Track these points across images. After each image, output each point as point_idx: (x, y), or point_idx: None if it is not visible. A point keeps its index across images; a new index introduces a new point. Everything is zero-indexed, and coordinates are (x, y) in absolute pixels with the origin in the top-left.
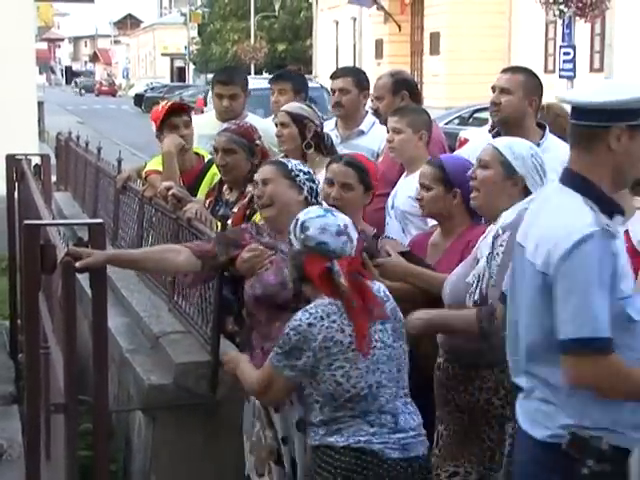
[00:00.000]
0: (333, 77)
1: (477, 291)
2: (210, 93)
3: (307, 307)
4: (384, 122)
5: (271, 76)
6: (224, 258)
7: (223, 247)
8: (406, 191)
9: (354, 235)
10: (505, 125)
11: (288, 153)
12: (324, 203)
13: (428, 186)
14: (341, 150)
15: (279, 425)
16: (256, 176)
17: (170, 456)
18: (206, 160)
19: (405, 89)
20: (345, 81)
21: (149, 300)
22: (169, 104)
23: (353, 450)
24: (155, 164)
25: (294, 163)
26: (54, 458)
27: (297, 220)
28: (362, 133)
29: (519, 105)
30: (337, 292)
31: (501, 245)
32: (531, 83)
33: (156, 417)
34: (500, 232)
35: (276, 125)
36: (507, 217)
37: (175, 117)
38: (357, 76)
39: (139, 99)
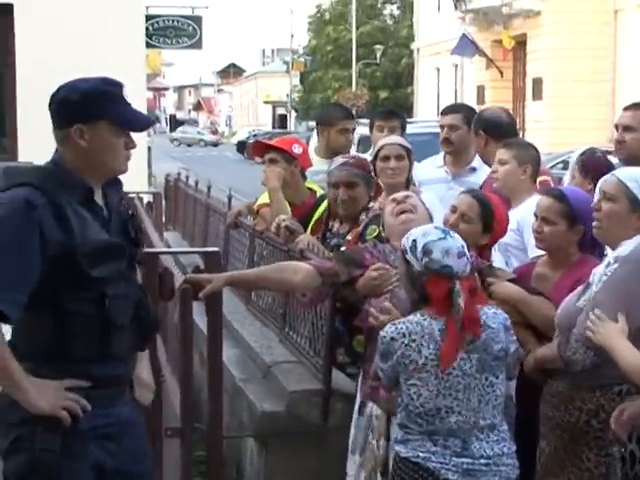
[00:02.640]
0: (443, 113)
1: None
2: (313, 138)
3: (397, 321)
4: (450, 152)
5: (377, 112)
6: (345, 277)
7: (344, 266)
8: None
9: (469, 256)
10: (631, 162)
11: (394, 187)
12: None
13: (552, 221)
14: (451, 187)
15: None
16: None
17: None
18: (318, 195)
19: (482, 129)
20: (455, 118)
21: (260, 332)
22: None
23: (412, 463)
24: (265, 198)
25: None
26: None
27: (415, 241)
28: (474, 170)
29: None
30: (451, 310)
31: (606, 275)
32: None
33: (268, 444)
34: (612, 261)
35: (384, 159)
36: (624, 249)
37: (274, 152)
38: (467, 113)
39: (242, 146)
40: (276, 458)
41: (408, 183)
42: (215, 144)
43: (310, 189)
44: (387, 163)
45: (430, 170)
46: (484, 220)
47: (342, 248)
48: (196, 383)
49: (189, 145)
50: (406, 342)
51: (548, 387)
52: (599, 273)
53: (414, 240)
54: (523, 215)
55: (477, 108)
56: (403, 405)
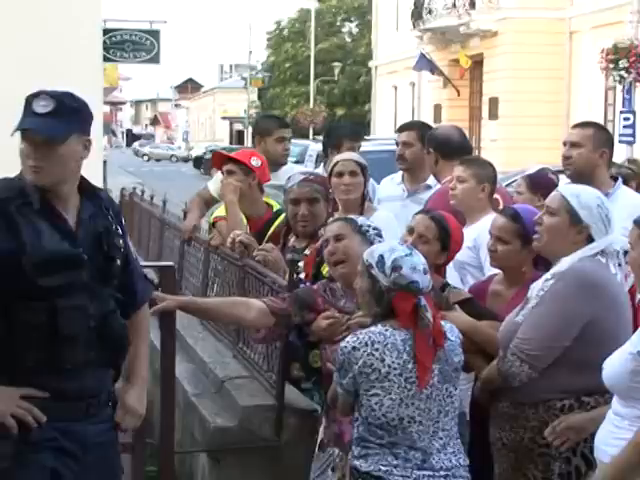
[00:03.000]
0: (399, 130)
1: None
2: None
3: (358, 331)
4: (405, 169)
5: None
6: (299, 319)
7: (298, 308)
8: (465, 242)
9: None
10: (577, 178)
11: (349, 203)
12: None
13: (506, 240)
14: (406, 205)
15: None
16: (327, 233)
17: None
18: (274, 210)
19: (433, 147)
20: (409, 135)
21: (213, 347)
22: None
23: (373, 477)
24: (222, 211)
25: (362, 219)
26: None
27: (382, 257)
28: (429, 188)
29: (590, 157)
30: (419, 324)
31: (542, 289)
32: (601, 136)
33: (220, 459)
34: (549, 277)
35: (338, 175)
36: (562, 266)
37: (232, 164)
38: (422, 130)
39: (198, 162)
40: (228, 473)
41: (363, 199)
42: (187, 159)
43: (267, 203)
44: (341, 179)
45: (389, 187)
46: (441, 240)
47: (300, 263)
48: (148, 398)
49: (158, 160)
50: (368, 351)
51: (494, 408)
52: (537, 288)
53: (381, 256)
54: (479, 234)
55: (434, 126)
56: (362, 419)
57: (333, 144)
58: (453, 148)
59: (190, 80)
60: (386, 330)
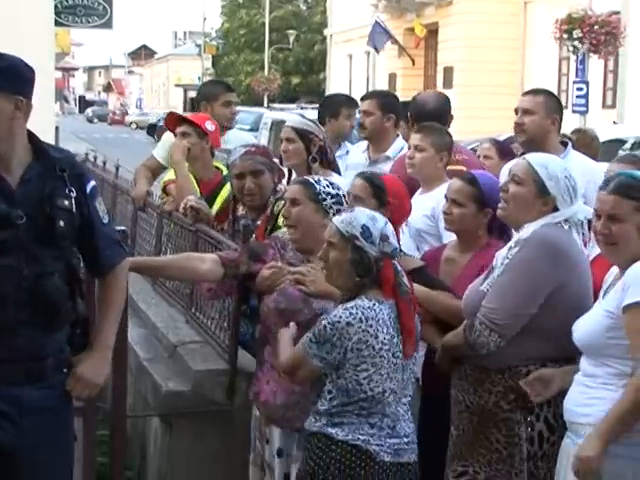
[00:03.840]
0: (361, 99)
1: None
2: None
3: (347, 305)
4: (365, 138)
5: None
6: (245, 269)
7: (247, 258)
8: (421, 210)
9: None
10: (529, 144)
11: (294, 168)
12: None
13: (461, 203)
14: None
15: (277, 437)
16: (287, 193)
17: (186, 462)
18: (224, 174)
19: (393, 112)
20: (369, 103)
21: (166, 312)
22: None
23: (350, 446)
24: (172, 175)
25: (323, 184)
26: None
27: (366, 227)
28: (388, 159)
29: (542, 124)
30: (399, 291)
31: (508, 257)
32: (552, 103)
33: (173, 424)
34: (513, 245)
35: (281, 141)
36: (525, 232)
37: (186, 126)
38: (382, 99)
39: (152, 129)
40: (180, 437)
41: (309, 166)
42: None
43: (217, 167)
44: (282, 145)
45: (355, 154)
46: (376, 197)
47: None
48: None
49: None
50: (363, 327)
51: (457, 371)
52: (502, 256)
53: (365, 226)
54: (439, 202)
55: None
56: (340, 392)
57: (331, 112)
58: (427, 114)
59: (144, 47)
60: (374, 305)
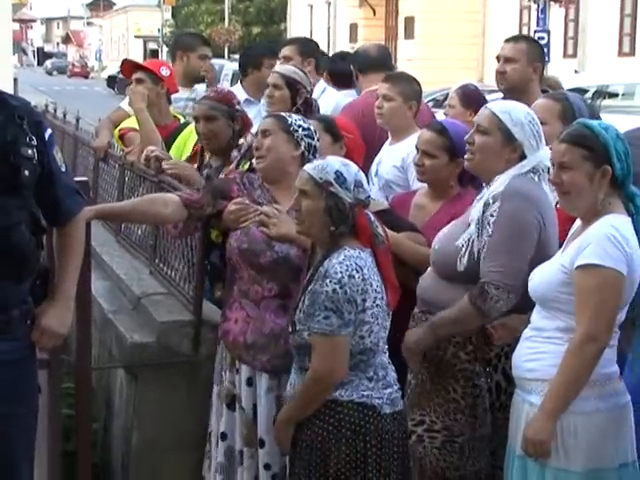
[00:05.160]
0: (282, 45)
1: (466, 255)
2: None
3: (338, 259)
4: None
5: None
6: (211, 209)
7: (211, 197)
8: (391, 160)
9: None
10: (511, 92)
11: None
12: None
13: (432, 154)
14: None
15: (245, 367)
16: (258, 127)
17: (152, 414)
18: (181, 122)
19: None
20: (290, 49)
21: (130, 263)
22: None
23: (357, 404)
24: (128, 122)
25: (295, 118)
26: None
27: (340, 173)
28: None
29: (524, 72)
30: (376, 240)
31: (492, 215)
32: (534, 50)
33: (138, 375)
34: (490, 201)
35: (267, 86)
36: (498, 186)
37: (141, 72)
38: (302, 45)
39: (112, 81)
40: (146, 389)
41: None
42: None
43: (175, 116)
44: (267, 90)
45: None
46: (329, 131)
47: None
48: None
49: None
50: (362, 277)
51: (415, 322)
52: (477, 211)
53: (338, 172)
54: (409, 153)
55: (350, 46)
56: None
57: (253, 63)
58: (369, 63)
59: None
60: (359, 253)
